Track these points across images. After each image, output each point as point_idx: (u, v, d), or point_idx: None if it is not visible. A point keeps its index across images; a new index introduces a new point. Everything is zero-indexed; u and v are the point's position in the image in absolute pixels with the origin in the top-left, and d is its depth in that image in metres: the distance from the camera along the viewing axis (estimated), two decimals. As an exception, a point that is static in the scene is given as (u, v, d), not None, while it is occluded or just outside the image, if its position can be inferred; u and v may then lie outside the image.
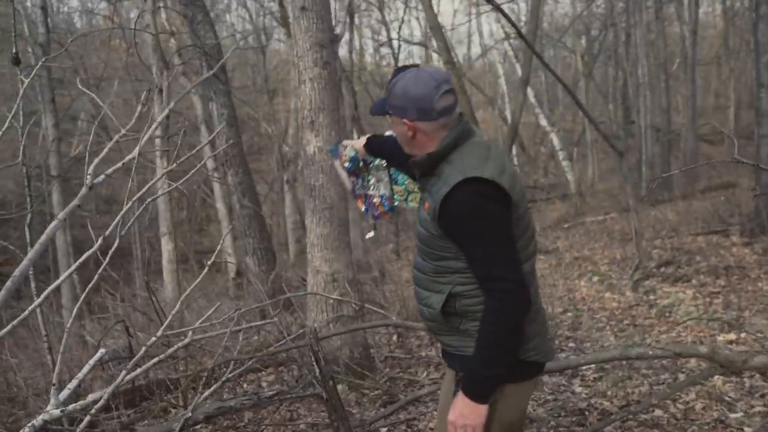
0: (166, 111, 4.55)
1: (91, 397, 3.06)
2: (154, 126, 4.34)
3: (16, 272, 3.30)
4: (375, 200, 2.51)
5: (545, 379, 4.45)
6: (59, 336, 7.40)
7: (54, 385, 3.02)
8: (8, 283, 3.22)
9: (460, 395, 1.87)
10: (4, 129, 3.03)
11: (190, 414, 2.36)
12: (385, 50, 24.76)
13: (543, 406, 4.04)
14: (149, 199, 2.92)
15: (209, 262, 2.77)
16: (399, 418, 4.02)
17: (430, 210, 1.89)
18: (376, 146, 2.42)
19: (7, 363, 5.35)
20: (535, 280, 2.01)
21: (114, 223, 2.74)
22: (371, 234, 2.66)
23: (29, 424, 2.87)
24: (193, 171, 2.90)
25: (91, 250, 3.14)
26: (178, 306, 2.75)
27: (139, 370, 3.08)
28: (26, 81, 3.76)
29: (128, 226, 2.82)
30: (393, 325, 4.39)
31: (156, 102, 9.17)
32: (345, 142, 2.53)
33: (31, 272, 3.62)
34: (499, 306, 1.81)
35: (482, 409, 1.85)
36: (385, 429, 3.90)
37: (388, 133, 2.48)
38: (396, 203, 2.51)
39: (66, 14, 20.67)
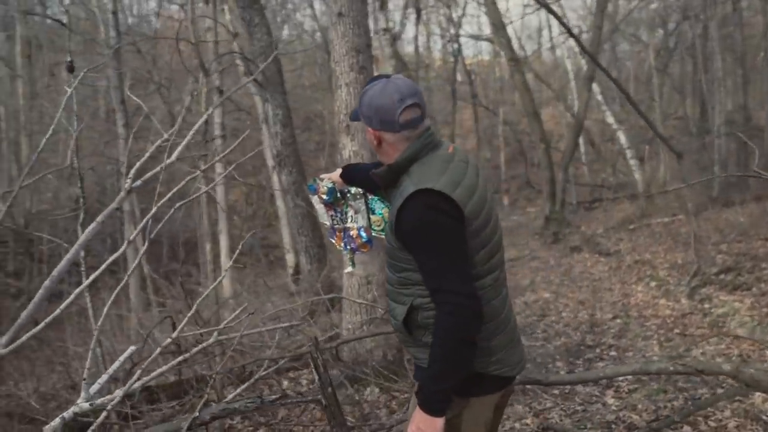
0: (205, 117, 4.71)
1: (117, 392, 3.23)
2: (191, 132, 4.50)
3: (54, 272, 3.52)
4: (352, 232, 2.47)
5: (578, 388, 4.37)
6: (117, 329, 7.77)
7: (84, 379, 3.22)
8: (46, 282, 3.43)
9: (418, 408, 1.88)
10: (48, 135, 3.23)
11: (197, 414, 2.47)
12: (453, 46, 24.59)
13: (571, 416, 3.97)
14: (183, 201, 3.06)
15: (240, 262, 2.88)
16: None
17: (390, 222, 1.92)
18: (352, 174, 2.41)
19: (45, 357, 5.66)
20: (501, 291, 1.98)
21: (160, 219, 2.87)
22: (349, 269, 2.61)
23: (60, 416, 3.07)
24: (225, 172, 3.01)
25: (115, 255, 3.32)
26: (236, 302, 2.87)
27: (162, 369, 3.23)
28: (69, 90, 3.99)
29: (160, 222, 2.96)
30: None
31: (216, 100, 9.44)
32: (322, 176, 2.52)
33: (83, 268, 3.83)
34: (449, 319, 1.79)
35: (438, 423, 1.84)
36: None
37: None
38: (374, 233, 2.47)
39: (138, 17, 21.54)
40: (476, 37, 24.47)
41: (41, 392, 5.02)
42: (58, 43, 18.57)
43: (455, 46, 22.39)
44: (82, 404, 3.12)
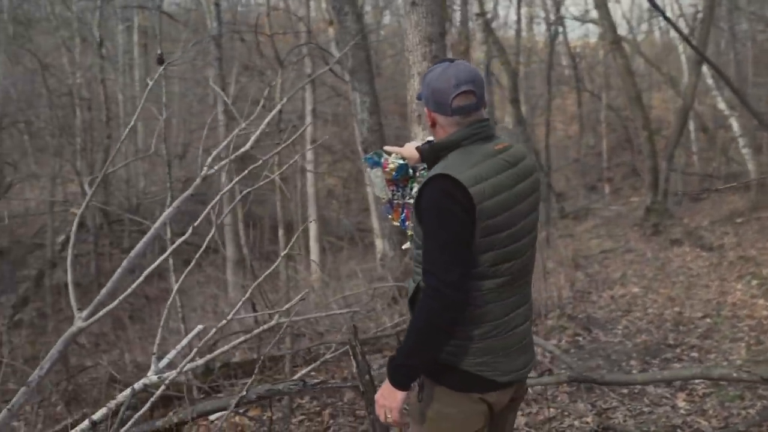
0: (278, 108, 4.87)
1: (188, 366, 3.44)
2: (264, 122, 4.68)
3: (132, 253, 3.79)
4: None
5: (649, 389, 4.21)
6: (210, 307, 8.20)
7: (154, 353, 3.45)
8: (124, 263, 3.71)
9: (387, 379, 1.94)
10: (131, 123, 3.48)
11: (245, 393, 2.61)
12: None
13: (635, 417, 3.84)
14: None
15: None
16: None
17: (416, 200, 1.97)
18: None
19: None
20: (507, 299, 1.96)
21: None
22: (408, 245, 2.63)
23: (130, 387, 3.32)
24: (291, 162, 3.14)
25: (176, 242, 3.52)
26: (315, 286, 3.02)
27: (224, 348, 3.42)
28: (150, 83, 4.25)
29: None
30: None
31: (308, 88, 9.68)
32: (387, 148, 2.48)
33: (170, 260, 4.09)
34: (427, 302, 1.84)
35: (398, 395, 1.90)
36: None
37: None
38: None
39: (245, 6, 22.29)
40: (580, 20, 23.59)
41: (119, 365, 5.43)
42: (174, 34, 19.60)
43: (557, 28, 21.67)
44: (151, 377, 3.36)
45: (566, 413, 3.90)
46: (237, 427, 4.57)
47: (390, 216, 2.52)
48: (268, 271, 3.21)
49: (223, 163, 4.26)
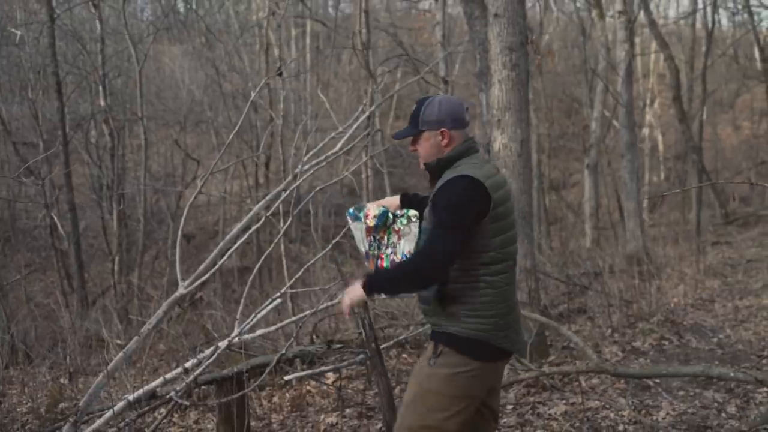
0: (367, 113, 5.44)
1: (259, 332, 4.13)
2: (355, 123, 5.28)
3: (227, 236, 4.54)
4: (395, 257, 2.60)
5: (707, 393, 4.21)
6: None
7: (237, 319, 4.16)
8: (221, 243, 4.46)
9: (358, 282, 2.42)
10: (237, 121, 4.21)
11: (283, 351, 3.21)
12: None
13: (677, 416, 3.92)
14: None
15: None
16: (528, 400, 4.32)
17: (432, 199, 2.39)
18: (412, 198, 2.76)
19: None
20: (513, 282, 2.46)
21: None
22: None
23: (214, 345, 4.06)
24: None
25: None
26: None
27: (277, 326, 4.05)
28: (263, 82, 4.97)
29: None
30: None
31: (441, 91, 10.17)
32: (367, 204, 2.74)
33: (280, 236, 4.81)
34: (425, 257, 2.32)
35: (359, 292, 2.39)
36: (511, 406, 4.27)
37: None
38: None
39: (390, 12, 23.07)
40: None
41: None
42: (338, 40, 20.93)
43: (754, 17, 20.06)
44: (233, 339, 4.08)
45: (607, 406, 4.07)
46: (324, 394, 5.24)
47: (367, 265, 2.71)
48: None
49: (314, 161, 4.88)
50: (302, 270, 3.70)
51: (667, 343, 5.62)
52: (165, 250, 17.53)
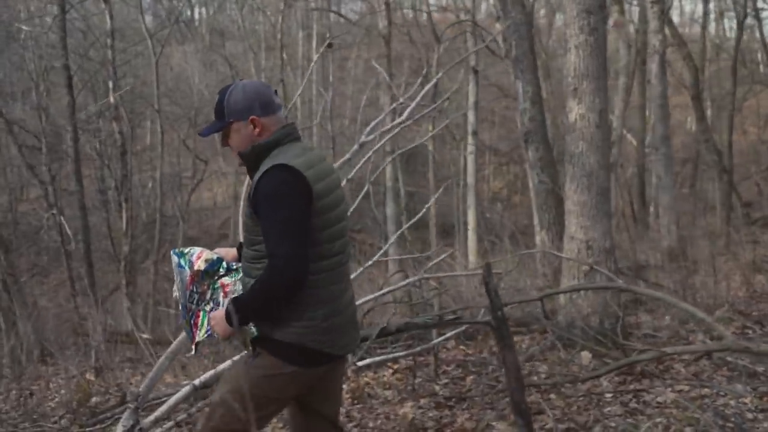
0: (433, 81, 5.07)
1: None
2: (420, 93, 4.90)
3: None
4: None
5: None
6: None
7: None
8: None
9: (221, 314, 2.16)
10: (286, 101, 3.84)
11: (385, 325, 2.82)
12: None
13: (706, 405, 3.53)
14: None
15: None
16: (628, 387, 3.94)
17: (248, 194, 2.13)
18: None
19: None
20: (342, 278, 2.21)
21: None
22: (192, 352, 2.45)
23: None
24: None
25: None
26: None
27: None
28: (316, 56, 4.61)
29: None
30: (618, 289, 4.23)
31: (471, 81, 9.83)
32: (199, 249, 2.40)
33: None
34: (271, 277, 2.04)
35: (227, 329, 2.14)
36: (610, 395, 3.88)
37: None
38: None
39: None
40: (778, 10, 21.39)
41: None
42: (348, 40, 20.67)
43: (748, 20, 19.89)
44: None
45: (721, 393, 3.69)
46: (384, 385, 4.84)
47: (182, 320, 2.36)
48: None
49: (379, 130, 4.53)
50: (388, 244, 3.31)
51: (750, 331, 5.25)
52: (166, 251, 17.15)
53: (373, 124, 4.57)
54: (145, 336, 6.67)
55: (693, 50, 23.11)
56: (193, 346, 2.35)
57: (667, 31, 12.41)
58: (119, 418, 4.27)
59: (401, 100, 4.90)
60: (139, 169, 18.82)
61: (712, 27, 22.82)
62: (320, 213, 2.10)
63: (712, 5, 21.29)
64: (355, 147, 4.37)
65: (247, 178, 2.44)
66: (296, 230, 2.05)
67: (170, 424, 3.23)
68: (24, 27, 13.84)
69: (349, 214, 2.36)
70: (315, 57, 22.43)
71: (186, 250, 2.38)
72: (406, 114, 4.57)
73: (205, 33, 20.95)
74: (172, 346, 3.50)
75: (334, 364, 2.26)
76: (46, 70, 14.49)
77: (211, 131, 2.25)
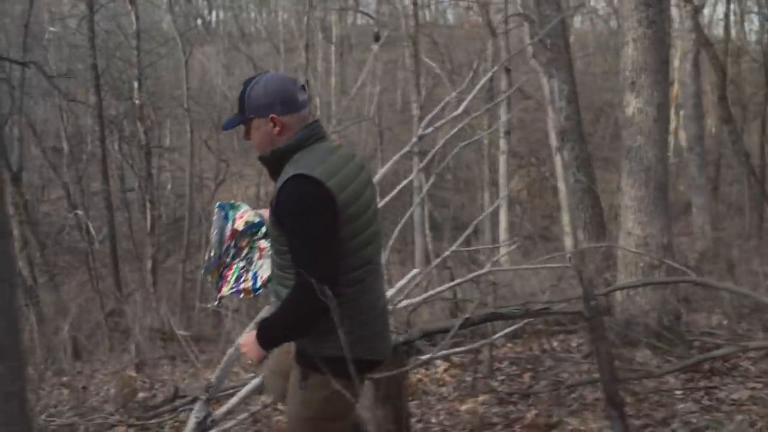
0: (490, 74, 5.00)
1: (404, 302, 3.68)
2: (477, 86, 4.85)
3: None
4: (245, 274, 2.31)
5: None
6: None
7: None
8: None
9: (251, 333, 2.12)
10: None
11: (469, 315, 2.77)
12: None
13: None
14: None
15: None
16: (698, 385, 3.86)
17: (273, 204, 2.02)
18: None
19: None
20: (376, 286, 2.12)
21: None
22: (215, 303, 2.49)
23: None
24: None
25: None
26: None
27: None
28: (375, 49, 4.55)
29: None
30: (692, 282, 4.15)
31: (503, 80, 9.77)
32: (246, 206, 2.39)
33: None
34: (301, 296, 1.94)
35: (260, 352, 2.09)
36: (680, 392, 3.80)
37: None
38: (268, 287, 2.29)
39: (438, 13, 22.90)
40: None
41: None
42: (366, 42, 20.67)
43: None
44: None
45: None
46: (438, 382, 4.78)
47: (209, 274, 2.36)
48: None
49: (437, 123, 4.48)
50: (470, 227, 3.25)
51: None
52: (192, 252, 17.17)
53: (429, 117, 4.53)
54: (183, 333, 6.66)
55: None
56: (218, 298, 2.37)
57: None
58: (176, 411, 4.28)
59: (454, 93, 4.86)
60: (159, 170, 18.86)
61: (731, 30, 22.52)
62: (348, 222, 2.00)
63: (732, 6, 21.01)
64: (414, 140, 4.32)
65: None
66: (321, 247, 1.96)
67: (245, 415, 3.17)
68: (51, 29, 13.89)
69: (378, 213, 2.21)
70: (333, 58, 22.43)
71: (236, 204, 2.37)
72: (462, 107, 4.52)
73: (223, 35, 20.95)
74: (243, 334, 3.46)
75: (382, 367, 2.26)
76: (68, 72, 14.55)
77: (231, 125, 2.15)
